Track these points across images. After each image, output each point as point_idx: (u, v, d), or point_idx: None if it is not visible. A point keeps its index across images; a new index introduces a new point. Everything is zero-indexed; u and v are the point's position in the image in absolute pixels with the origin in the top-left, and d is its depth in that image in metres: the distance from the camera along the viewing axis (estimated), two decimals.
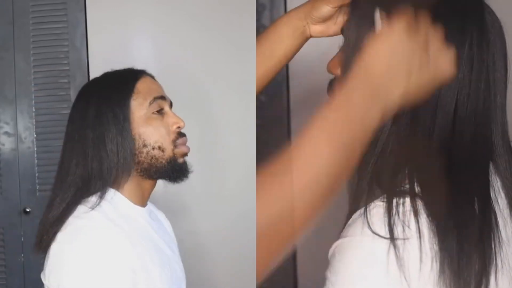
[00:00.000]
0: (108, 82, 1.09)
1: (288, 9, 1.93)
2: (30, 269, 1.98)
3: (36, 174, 2.01)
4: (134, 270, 0.95)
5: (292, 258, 1.98)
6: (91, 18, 1.98)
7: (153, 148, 1.04)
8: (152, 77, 1.12)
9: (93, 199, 0.99)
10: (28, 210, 2.00)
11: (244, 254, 1.86)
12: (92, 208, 0.97)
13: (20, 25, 2.00)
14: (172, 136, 1.06)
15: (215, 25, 1.97)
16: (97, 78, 1.12)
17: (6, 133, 2.01)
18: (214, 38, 1.96)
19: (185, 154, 1.08)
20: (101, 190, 1.00)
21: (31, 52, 2.00)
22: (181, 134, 1.08)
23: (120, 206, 1.03)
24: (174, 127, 1.07)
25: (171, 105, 1.11)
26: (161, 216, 1.22)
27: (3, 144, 2.01)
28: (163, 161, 1.05)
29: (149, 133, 1.04)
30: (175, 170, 1.06)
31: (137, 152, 1.03)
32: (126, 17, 1.98)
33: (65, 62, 2.01)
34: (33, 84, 2.00)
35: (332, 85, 0.86)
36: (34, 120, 2.00)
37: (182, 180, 1.08)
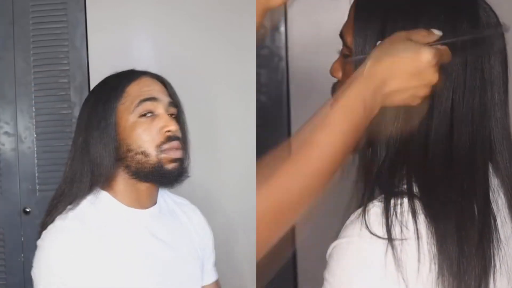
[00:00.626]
0: (102, 87, 1.10)
1: (288, 9, 1.93)
2: (30, 269, 1.97)
3: (36, 174, 2.00)
4: (94, 271, 0.98)
5: (292, 258, 1.98)
6: (91, 18, 1.98)
7: (137, 154, 1.02)
8: (156, 77, 1.10)
9: (77, 201, 1.02)
10: (28, 210, 1.99)
11: (244, 254, 1.86)
12: (71, 209, 1.00)
13: (20, 25, 1.99)
14: (158, 141, 1.02)
15: (215, 25, 1.96)
16: (98, 83, 1.12)
17: (6, 133, 2.01)
18: (214, 38, 1.96)
19: (174, 160, 1.03)
20: (80, 194, 1.02)
21: (31, 52, 1.99)
22: (171, 138, 1.03)
23: (107, 209, 1.03)
24: (164, 130, 1.02)
25: (175, 106, 1.08)
26: (183, 214, 1.19)
27: (3, 144, 2.01)
28: (148, 166, 1.02)
29: (134, 137, 1.02)
30: (162, 176, 1.03)
31: (123, 157, 1.03)
32: (126, 17, 1.98)
33: (65, 62, 2.00)
34: (33, 84, 1.99)
35: (335, 88, 0.87)
36: (34, 120, 2.00)
37: (171, 186, 1.06)
